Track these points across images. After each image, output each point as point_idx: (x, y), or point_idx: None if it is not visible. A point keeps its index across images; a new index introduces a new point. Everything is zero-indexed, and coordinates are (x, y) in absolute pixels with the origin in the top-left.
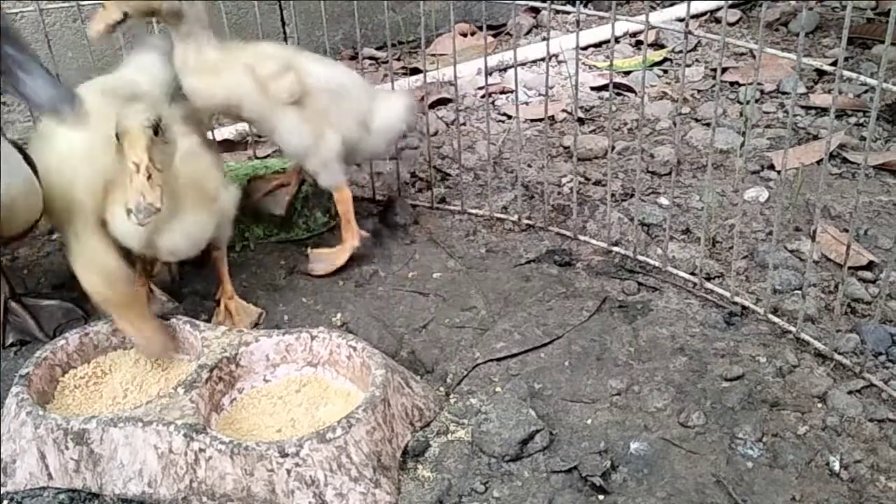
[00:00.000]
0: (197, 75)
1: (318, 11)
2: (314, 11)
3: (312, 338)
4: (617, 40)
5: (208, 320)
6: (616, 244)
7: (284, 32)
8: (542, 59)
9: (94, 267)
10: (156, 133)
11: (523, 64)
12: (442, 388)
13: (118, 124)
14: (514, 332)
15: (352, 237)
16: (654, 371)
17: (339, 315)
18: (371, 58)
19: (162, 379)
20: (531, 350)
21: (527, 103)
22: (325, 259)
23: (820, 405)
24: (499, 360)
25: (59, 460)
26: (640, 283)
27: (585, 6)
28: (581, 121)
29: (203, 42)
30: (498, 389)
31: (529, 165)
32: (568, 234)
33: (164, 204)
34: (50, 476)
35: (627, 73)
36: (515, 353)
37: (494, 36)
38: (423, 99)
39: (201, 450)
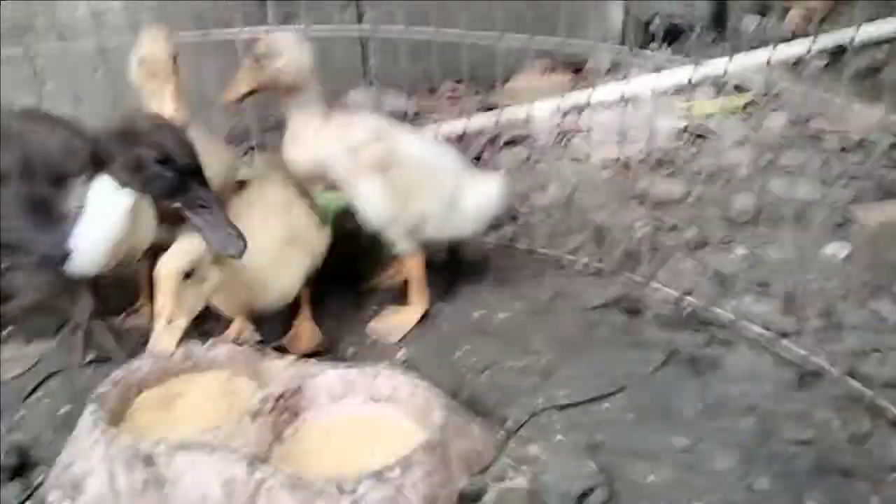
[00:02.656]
0: (295, 146)
1: (398, 46)
2: (395, 46)
3: (376, 374)
4: (697, 84)
5: (262, 341)
6: (688, 294)
7: (364, 68)
8: (620, 101)
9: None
10: (187, 276)
11: (600, 104)
12: (501, 433)
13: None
14: (578, 380)
15: (421, 300)
16: (721, 430)
17: (402, 350)
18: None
19: (229, 405)
20: (594, 400)
21: (602, 144)
22: (396, 326)
23: (894, 476)
24: (561, 407)
25: (128, 481)
26: (711, 337)
27: (667, 48)
28: (657, 165)
29: (315, 114)
30: (558, 438)
31: (602, 208)
32: (638, 280)
33: (177, 346)
34: (117, 495)
35: (707, 117)
36: (578, 402)
37: (573, 73)
38: (497, 136)
39: (262, 480)
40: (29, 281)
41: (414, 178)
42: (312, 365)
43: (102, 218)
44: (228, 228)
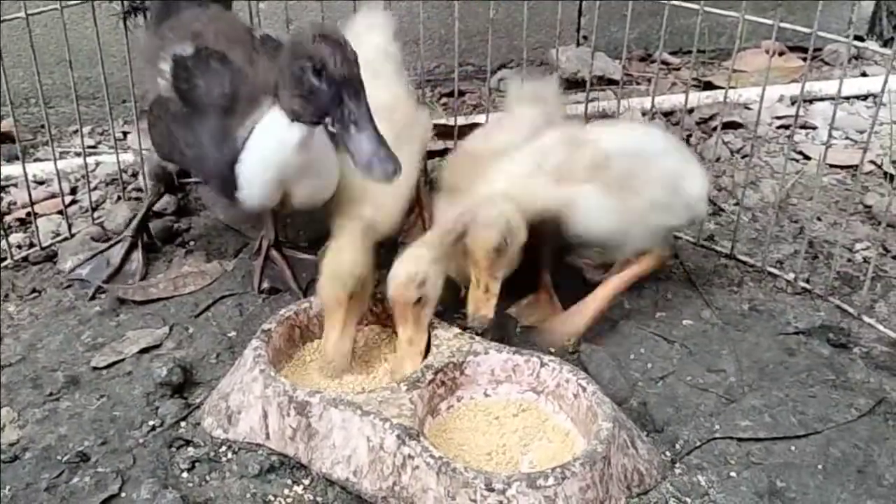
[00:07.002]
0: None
1: (618, 6)
2: (614, 6)
3: (542, 364)
4: None
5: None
6: None
7: (579, 23)
8: (858, 98)
9: (339, 262)
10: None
11: (832, 99)
12: (668, 454)
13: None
14: (765, 413)
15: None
16: None
17: (572, 340)
18: (664, 62)
19: (388, 365)
20: (781, 439)
21: (830, 145)
22: (554, 330)
23: None
24: (740, 440)
25: (279, 424)
26: None
27: None
28: (893, 178)
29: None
30: (732, 474)
31: (819, 219)
32: (851, 310)
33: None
34: (267, 436)
35: None
36: (761, 438)
37: (805, 60)
38: (710, 118)
39: (410, 457)
40: (218, 199)
41: (627, 168)
42: (477, 342)
43: (265, 151)
44: (381, 149)
